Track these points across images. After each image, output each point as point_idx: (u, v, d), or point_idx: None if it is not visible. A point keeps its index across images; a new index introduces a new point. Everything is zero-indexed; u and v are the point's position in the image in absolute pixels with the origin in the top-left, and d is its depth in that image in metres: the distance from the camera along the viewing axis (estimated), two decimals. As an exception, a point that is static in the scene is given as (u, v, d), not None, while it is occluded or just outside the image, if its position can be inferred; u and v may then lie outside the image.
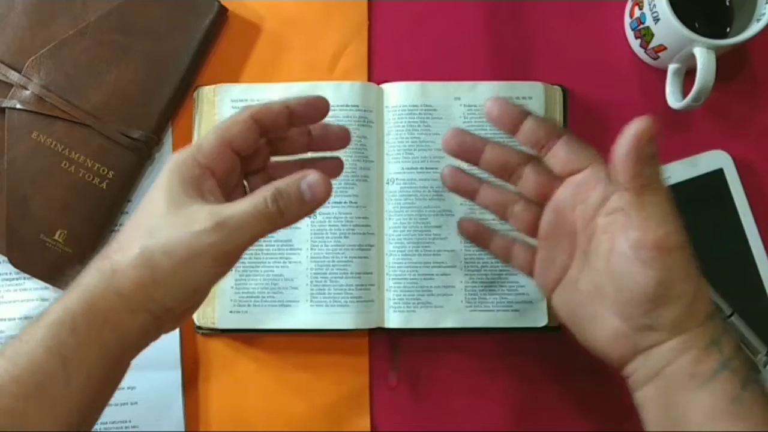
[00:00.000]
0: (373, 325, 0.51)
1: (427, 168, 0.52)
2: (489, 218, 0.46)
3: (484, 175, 0.45)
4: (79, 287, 0.35)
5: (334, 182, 0.45)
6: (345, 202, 0.51)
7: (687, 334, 0.37)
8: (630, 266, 0.37)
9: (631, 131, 0.35)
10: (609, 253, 0.39)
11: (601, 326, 0.39)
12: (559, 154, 0.41)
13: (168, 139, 0.54)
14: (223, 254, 0.35)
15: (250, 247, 0.36)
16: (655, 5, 0.49)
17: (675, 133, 0.54)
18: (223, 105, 0.53)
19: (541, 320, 0.51)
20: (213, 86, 0.53)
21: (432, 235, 0.51)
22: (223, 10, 0.53)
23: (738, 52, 0.54)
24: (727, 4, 0.51)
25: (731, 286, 0.51)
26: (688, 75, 0.52)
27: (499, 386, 0.52)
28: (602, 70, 0.54)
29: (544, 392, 0.52)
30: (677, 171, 0.53)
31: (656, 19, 0.49)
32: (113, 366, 0.36)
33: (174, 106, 0.53)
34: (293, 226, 0.37)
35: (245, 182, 0.42)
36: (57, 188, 0.51)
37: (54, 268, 0.51)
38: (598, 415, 0.52)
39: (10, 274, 0.52)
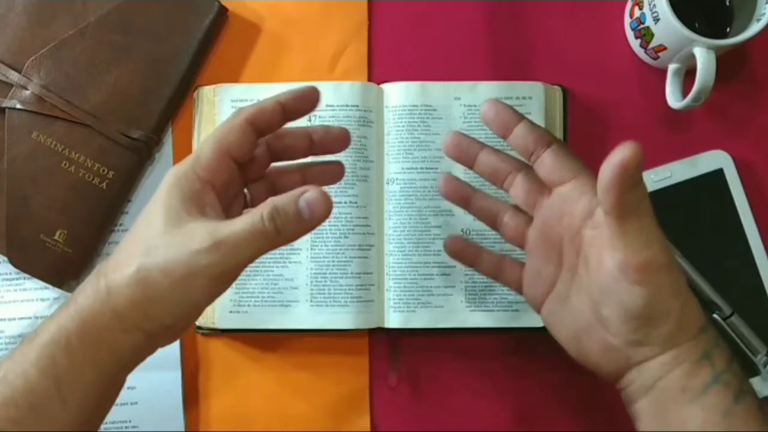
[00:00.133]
0: (373, 325, 0.51)
1: (427, 168, 0.52)
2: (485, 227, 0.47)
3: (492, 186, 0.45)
4: (73, 305, 0.35)
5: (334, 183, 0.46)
6: (345, 202, 0.51)
7: (679, 348, 0.37)
8: (617, 284, 0.37)
9: (617, 159, 0.34)
10: (596, 269, 0.38)
11: (592, 341, 0.39)
12: (546, 163, 0.41)
13: (168, 139, 0.54)
14: (220, 274, 0.34)
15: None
16: (655, 5, 0.49)
17: (675, 133, 0.54)
18: (223, 105, 0.53)
19: (541, 320, 0.50)
20: (213, 86, 0.53)
21: (432, 235, 0.51)
22: (223, 10, 0.53)
23: (738, 52, 0.54)
24: (727, 4, 0.51)
25: (731, 286, 0.51)
26: (688, 75, 0.52)
27: (499, 386, 0.52)
28: (602, 70, 0.54)
29: (544, 392, 0.52)
30: (677, 171, 0.53)
31: (656, 19, 0.49)
32: (109, 384, 0.36)
33: (174, 106, 0.53)
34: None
35: (246, 191, 0.41)
36: (57, 188, 0.51)
37: (54, 268, 0.51)
38: (598, 415, 0.52)
39: (10, 274, 0.52)
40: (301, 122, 0.50)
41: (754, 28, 0.47)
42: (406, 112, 0.52)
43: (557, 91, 0.53)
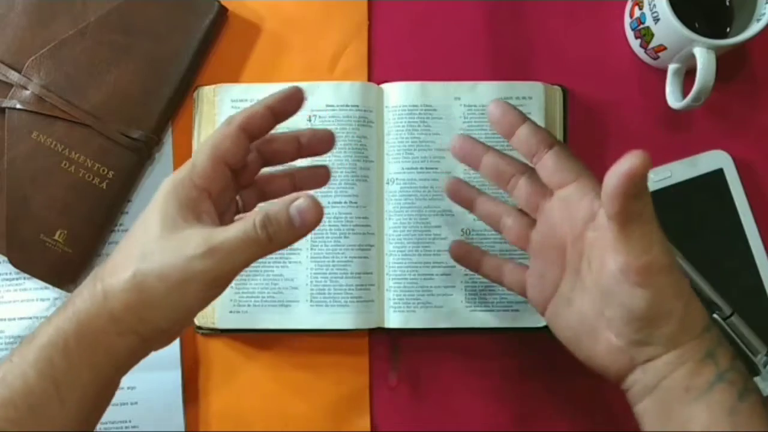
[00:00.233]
0: (373, 325, 0.51)
1: (427, 168, 0.52)
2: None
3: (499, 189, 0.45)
4: (71, 308, 0.36)
5: (333, 182, 0.46)
6: (345, 202, 0.51)
7: (682, 347, 0.37)
8: (619, 287, 0.37)
9: (624, 168, 0.34)
10: (599, 271, 0.38)
11: (597, 342, 0.39)
12: (548, 165, 0.41)
13: (168, 139, 0.54)
14: (214, 279, 0.35)
15: None
16: (655, 5, 0.49)
17: (675, 133, 0.54)
18: (223, 105, 0.53)
19: (541, 320, 0.50)
20: (213, 86, 0.53)
21: (432, 235, 0.51)
22: (223, 10, 0.53)
23: (738, 52, 0.54)
24: (727, 4, 0.51)
25: (731, 286, 0.51)
26: (688, 75, 0.52)
27: (499, 386, 0.52)
28: (602, 70, 0.54)
29: (545, 392, 0.52)
30: (677, 171, 0.53)
31: (656, 19, 0.49)
32: (105, 385, 0.37)
33: (174, 106, 0.53)
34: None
35: (238, 197, 0.42)
36: (57, 188, 0.51)
37: (54, 268, 0.51)
38: (599, 415, 0.52)
39: (10, 274, 0.52)
40: (302, 123, 0.50)
41: (754, 28, 0.47)
42: (406, 112, 0.52)
43: (557, 91, 0.53)
